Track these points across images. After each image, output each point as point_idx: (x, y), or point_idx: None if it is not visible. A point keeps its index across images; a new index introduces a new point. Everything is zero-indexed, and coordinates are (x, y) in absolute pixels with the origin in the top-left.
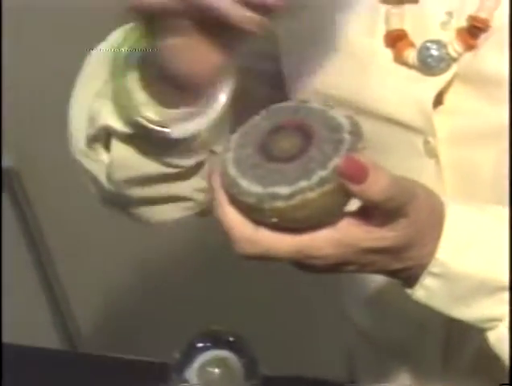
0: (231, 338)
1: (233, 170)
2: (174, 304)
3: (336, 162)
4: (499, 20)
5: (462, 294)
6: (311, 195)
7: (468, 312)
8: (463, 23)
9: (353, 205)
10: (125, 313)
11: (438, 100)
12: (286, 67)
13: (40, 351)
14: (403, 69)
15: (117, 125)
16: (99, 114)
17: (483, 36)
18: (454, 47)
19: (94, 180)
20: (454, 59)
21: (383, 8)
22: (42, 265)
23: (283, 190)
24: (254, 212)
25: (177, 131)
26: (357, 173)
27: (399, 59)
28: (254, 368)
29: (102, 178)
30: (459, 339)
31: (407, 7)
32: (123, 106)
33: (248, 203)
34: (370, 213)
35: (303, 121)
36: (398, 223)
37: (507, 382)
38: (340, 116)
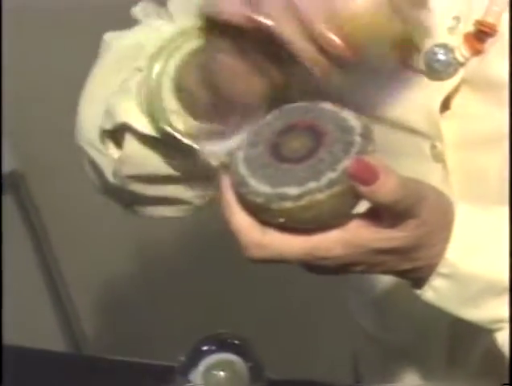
0: (236, 342)
1: (242, 169)
2: (180, 307)
3: (346, 164)
4: (506, 25)
5: (471, 295)
6: (319, 196)
7: (477, 313)
8: (470, 28)
9: (362, 207)
10: (131, 316)
11: (445, 105)
12: None
13: (44, 354)
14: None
15: (138, 124)
16: (118, 111)
17: (490, 41)
18: (461, 51)
19: (99, 172)
20: (461, 64)
21: None
22: (47, 267)
23: (292, 190)
24: (262, 212)
25: (204, 147)
26: (366, 175)
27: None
28: (260, 372)
29: (108, 171)
30: (465, 341)
31: None
32: (153, 110)
33: (256, 202)
34: (380, 214)
35: (314, 122)
36: (407, 224)
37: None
38: (352, 118)
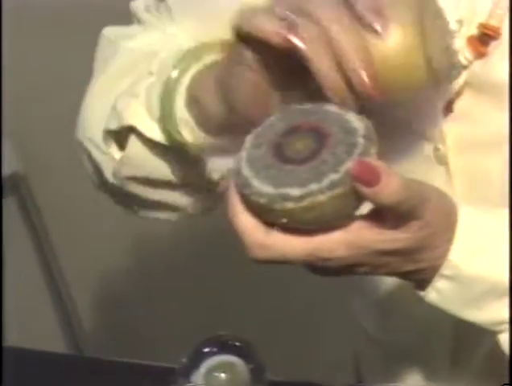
0: (238, 344)
1: (246, 170)
2: (181, 309)
3: (348, 165)
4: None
5: (473, 297)
6: (321, 197)
7: (480, 315)
8: (473, 32)
9: (365, 208)
10: (132, 317)
11: (448, 108)
12: None
13: (44, 355)
14: None
15: (145, 128)
16: (125, 113)
17: (493, 44)
18: (464, 54)
19: (98, 170)
20: (464, 67)
21: None
22: (48, 268)
23: (294, 191)
24: (265, 213)
25: (209, 160)
26: (369, 176)
27: None
28: (261, 373)
29: (108, 170)
30: (468, 342)
31: None
32: (163, 116)
33: (259, 203)
34: (383, 215)
35: (318, 124)
36: (410, 225)
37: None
38: (355, 119)
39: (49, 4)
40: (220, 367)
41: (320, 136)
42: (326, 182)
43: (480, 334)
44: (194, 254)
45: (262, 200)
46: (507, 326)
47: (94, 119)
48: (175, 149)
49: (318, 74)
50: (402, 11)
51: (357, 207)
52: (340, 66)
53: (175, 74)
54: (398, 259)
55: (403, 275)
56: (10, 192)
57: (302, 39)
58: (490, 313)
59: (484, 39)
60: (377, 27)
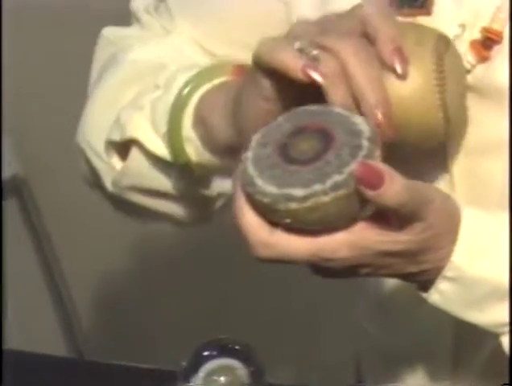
0: (237, 347)
1: (251, 169)
2: (181, 312)
3: (352, 167)
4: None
5: (476, 299)
6: (324, 198)
7: (482, 316)
8: (475, 36)
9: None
10: (132, 320)
11: None
12: None
13: (44, 358)
14: None
15: (148, 142)
16: (129, 125)
17: (496, 48)
18: (467, 58)
19: (97, 178)
20: (467, 71)
21: None
22: (49, 271)
23: (298, 192)
24: (270, 212)
25: (211, 179)
26: (372, 179)
27: None
28: (261, 377)
29: (107, 179)
30: (469, 344)
31: (420, 19)
32: (170, 132)
33: (263, 202)
34: (386, 217)
35: (324, 125)
36: (413, 227)
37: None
38: (361, 122)
39: (49, 4)
40: (220, 371)
41: (325, 137)
42: (330, 183)
43: (481, 336)
44: (194, 257)
45: (266, 200)
46: (509, 328)
47: (96, 128)
48: (178, 165)
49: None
50: (424, 53)
51: (360, 208)
52: (357, 101)
53: (185, 91)
54: (401, 260)
55: (406, 276)
56: (11, 194)
57: (321, 74)
58: (492, 315)
59: (487, 43)
60: (397, 67)
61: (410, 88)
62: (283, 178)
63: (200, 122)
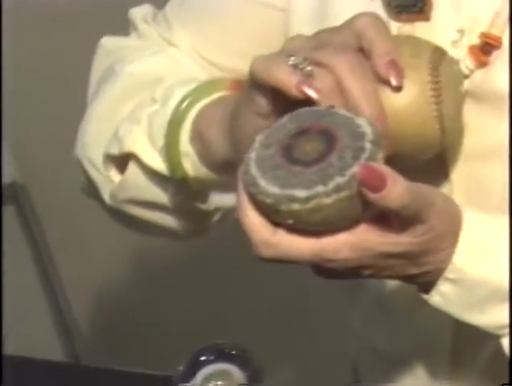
0: (234, 352)
1: (253, 170)
2: (178, 317)
3: (355, 170)
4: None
5: (477, 300)
6: (326, 200)
7: (483, 318)
8: (474, 41)
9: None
10: (130, 326)
11: None
12: None
13: (43, 364)
14: None
15: (146, 157)
16: (127, 139)
17: (495, 53)
18: (466, 64)
19: (95, 190)
20: (466, 76)
21: (394, 26)
22: (47, 277)
23: (300, 193)
24: (272, 213)
25: (212, 195)
26: (375, 181)
27: None
28: (258, 381)
29: (105, 192)
30: (469, 345)
31: (418, 25)
32: (167, 146)
33: (266, 203)
34: (388, 219)
35: (328, 126)
36: (415, 229)
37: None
38: (365, 124)
39: (49, 4)
40: (217, 376)
41: (329, 139)
42: (332, 185)
43: (481, 337)
44: (192, 263)
45: (269, 200)
46: (510, 330)
47: (94, 141)
48: (175, 180)
49: None
50: (419, 65)
51: (362, 210)
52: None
53: (183, 106)
54: (402, 262)
55: (408, 278)
56: (9, 201)
57: (316, 90)
58: (493, 316)
59: (485, 48)
60: (392, 79)
61: (406, 100)
62: (286, 178)
63: (198, 137)
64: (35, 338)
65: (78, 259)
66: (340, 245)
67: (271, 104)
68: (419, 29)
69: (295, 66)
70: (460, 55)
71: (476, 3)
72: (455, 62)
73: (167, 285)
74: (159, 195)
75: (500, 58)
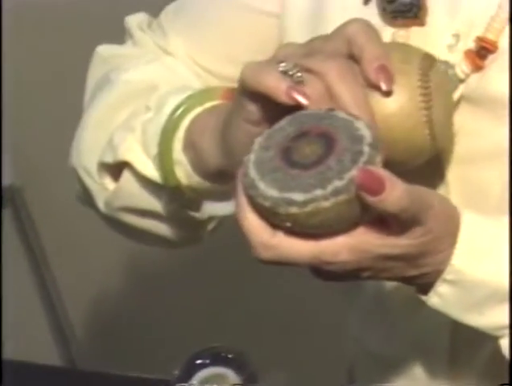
0: (230, 355)
1: (252, 172)
2: (174, 321)
3: (353, 173)
4: (506, 42)
5: (476, 302)
6: (324, 203)
7: (481, 319)
8: (469, 46)
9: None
10: (125, 330)
11: None
12: None
13: (39, 368)
14: None
15: (140, 165)
16: (121, 147)
17: (490, 58)
18: (462, 68)
19: (90, 198)
20: (461, 81)
21: (389, 30)
22: (43, 281)
23: (298, 196)
24: (271, 216)
25: (205, 204)
26: (373, 185)
27: None
28: (253, 384)
29: (99, 199)
30: (467, 346)
31: (413, 30)
32: (161, 155)
33: (264, 206)
34: (386, 221)
35: (327, 129)
36: (413, 231)
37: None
38: (364, 127)
39: (49, 4)
40: (213, 379)
41: (328, 142)
42: (330, 188)
43: (479, 338)
44: (187, 267)
45: (267, 203)
46: (509, 331)
47: (89, 149)
48: (168, 188)
49: None
50: (409, 70)
51: (361, 213)
52: None
53: (176, 114)
54: (401, 264)
55: (406, 280)
56: (6, 204)
57: (306, 96)
58: (492, 318)
59: (481, 52)
60: (382, 84)
61: (396, 106)
62: (285, 182)
63: (191, 146)
64: (30, 342)
65: (74, 264)
66: (338, 248)
67: (262, 110)
68: (414, 34)
69: (284, 72)
70: (456, 59)
71: (472, 8)
72: (446, 68)
73: (162, 288)
74: (153, 203)
75: (495, 62)
